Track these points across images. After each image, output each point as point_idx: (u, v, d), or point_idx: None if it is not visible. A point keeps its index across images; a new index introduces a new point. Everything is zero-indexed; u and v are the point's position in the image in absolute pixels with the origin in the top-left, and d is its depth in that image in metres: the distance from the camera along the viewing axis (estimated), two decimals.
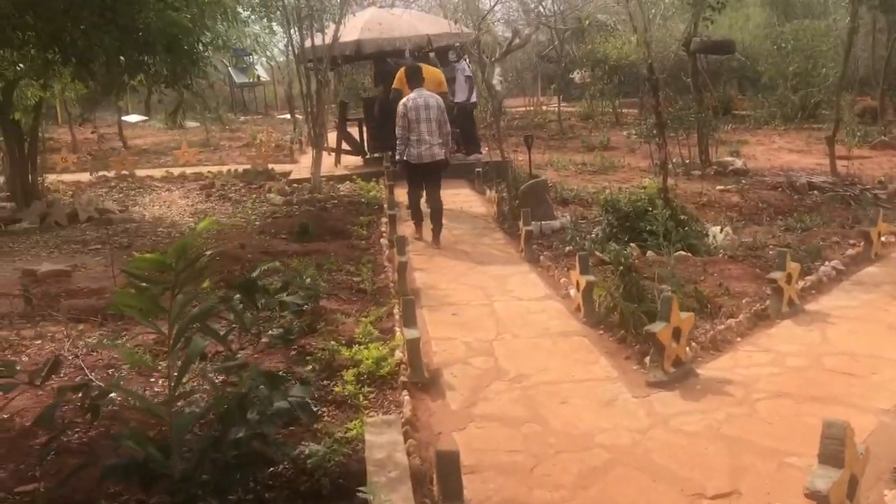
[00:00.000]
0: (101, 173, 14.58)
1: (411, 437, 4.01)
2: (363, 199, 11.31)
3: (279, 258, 8.05)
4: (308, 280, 6.11)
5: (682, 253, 7.64)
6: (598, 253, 7.96)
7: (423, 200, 9.13)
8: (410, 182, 9.10)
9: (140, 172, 15.02)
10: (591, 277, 5.93)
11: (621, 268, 5.53)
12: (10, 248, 9.41)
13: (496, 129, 10.45)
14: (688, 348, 5.06)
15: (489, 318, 6.09)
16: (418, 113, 8.48)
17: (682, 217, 8.51)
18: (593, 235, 8.56)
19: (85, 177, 14.65)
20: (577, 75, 28.48)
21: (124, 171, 14.56)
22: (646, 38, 8.67)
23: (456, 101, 13.39)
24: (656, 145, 9.39)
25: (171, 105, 32.87)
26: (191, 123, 27.50)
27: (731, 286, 6.67)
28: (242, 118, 31.80)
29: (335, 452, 3.67)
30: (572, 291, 6.50)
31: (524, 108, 26.45)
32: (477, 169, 12.08)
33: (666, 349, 4.71)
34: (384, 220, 9.63)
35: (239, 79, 35.57)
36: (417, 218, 9.20)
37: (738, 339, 5.55)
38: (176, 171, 15.09)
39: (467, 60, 13.79)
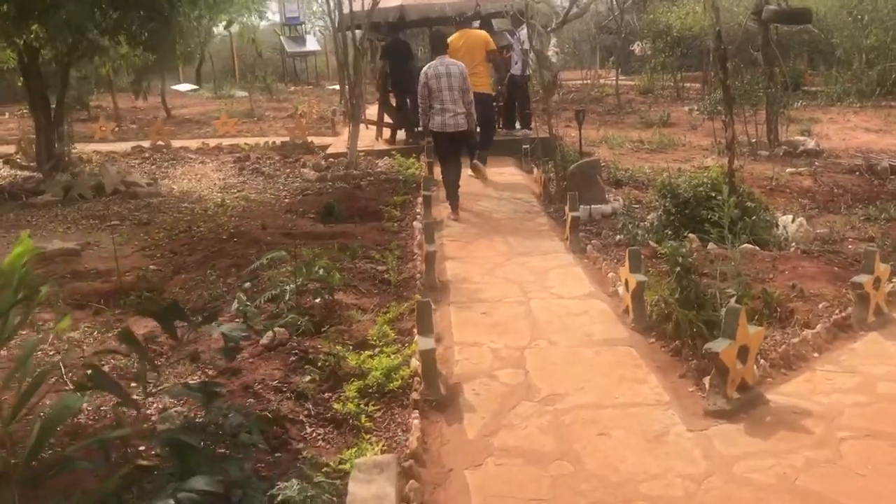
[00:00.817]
0: (136, 144, 14.13)
1: (414, 478, 3.31)
2: (401, 177, 10.60)
3: (301, 240, 7.42)
4: (321, 271, 5.43)
5: (749, 246, 6.77)
6: (651, 244, 7.13)
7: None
8: (439, 155, 8.97)
9: (176, 143, 14.55)
10: (643, 277, 5.13)
11: (678, 268, 4.71)
12: (28, 222, 8.97)
13: (546, 102, 9.60)
14: (755, 367, 4.25)
15: (524, 320, 5.34)
16: (439, 81, 8.31)
17: (748, 204, 7.61)
18: (647, 223, 7.71)
19: (123, 147, 14.23)
20: (637, 47, 27.21)
21: (160, 142, 14.09)
22: (714, 3, 7.71)
23: (512, 73, 12.58)
24: (722, 123, 8.45)
25: (221, 75, 32.72)
26: (239, 93, 27.14)
27: (805, 287, 5.80)
28: (293, 88, 31.30)
29: (314, 499, 2.99)
30: (620, 289, 5.71)
31: (581, 81, 25.34)
32: (524, 146, 11.25)
33: (730, 372, 3.91)
34: (420, 200, 8.90)
35: (291, 48, 35.09)
36: (453, 197, 8.70)
37: (815, 354, 4.71)
38: (213, 142, 14.58)
39: (526, 30, 12.84)
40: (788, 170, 10.64)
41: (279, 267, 5.33)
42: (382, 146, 12.96)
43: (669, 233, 7.42)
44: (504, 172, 10.84)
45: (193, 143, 14.25)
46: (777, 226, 7.50)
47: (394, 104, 13.23)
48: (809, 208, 8.63)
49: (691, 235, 7.00)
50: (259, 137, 15.39)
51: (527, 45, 13.06)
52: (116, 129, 17.20)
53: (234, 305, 5.30)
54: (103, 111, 22.71)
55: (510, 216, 8.47)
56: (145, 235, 8.16)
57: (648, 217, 7.97)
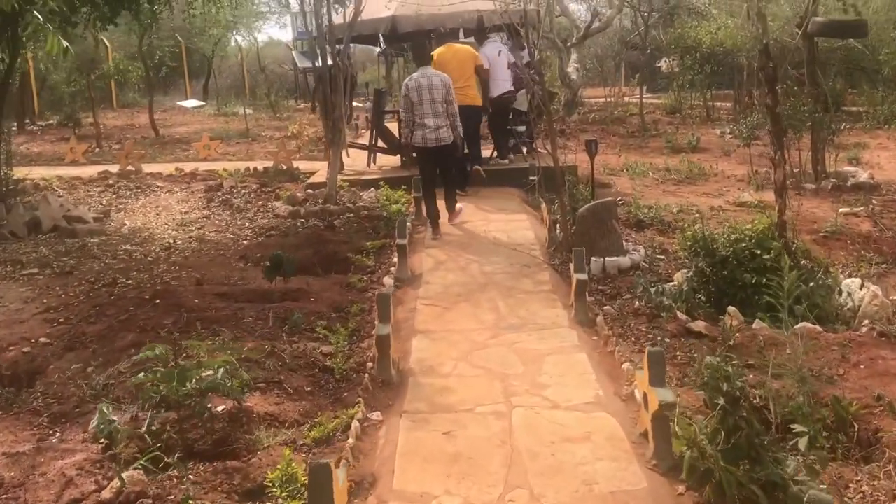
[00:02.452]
0: (104, 169, 12.76)
1: None
2: (384, 213, 9.09)
3: (239, 303, 5.94)
4: (219, 373, 3.90)
5: (808, 326, 5.17)
6: (680, 314, 5.56)
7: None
8: (422, 170, 8.59)
9: (150, 167, 13.16)
10: (669, 396, 3.56)
11: (723, 401, 3.14)
12: None
13: (548, 126, 8.06)
14: None
15: (499, 450, 3.78)
16: (421, 93, 7.93)
17: (803, 263, 6.02)
18: (675, 284, 6.13)
19: (91, 171, 12.86)
20: (663, 64, 25.63)
21: (129, 167, 12.71)
22: (759, 9, 6.14)
23: (494, 94, 11.01)
24: (770, 160, 6.87)
25: (225, 91, 31.54)
26: (246, 110, 25.87)
27: (890, 392, 4.21)
28: (301, 105, 30.02)
29: None
30: (637, 394, 4.16)
31: (604, 99, 23.79)
32: (531, 177, 9.71)
33: None
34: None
35: (302, 63, 33.85)
36: (433, 216, 8.29)
37: None
38: (190, 166, 13.17)
39: (504, 40, 11.31)
40: (841, 209, 9.00)
41: (153, 370, 3.83)
42: (375, 173, 11.47)
43: (702, 299, 5.85)
44: (506, 209, 9.30)
45: (168, 168, 12.85)
46: (840, 291, 5.89)
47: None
48: (876, 262, 7.00)
49: (732, 310, 5.42)
50: (244, 161, 13.98)
51: (523, 61, 11.65)
52: (94, 149, 15.88)
53: (94, 423, 3.80)
54: (94, 128, 21.53)
55: (505, 269, 6.91)
56: (61, 290, 6.71)
57: (676, 276, 6.39)
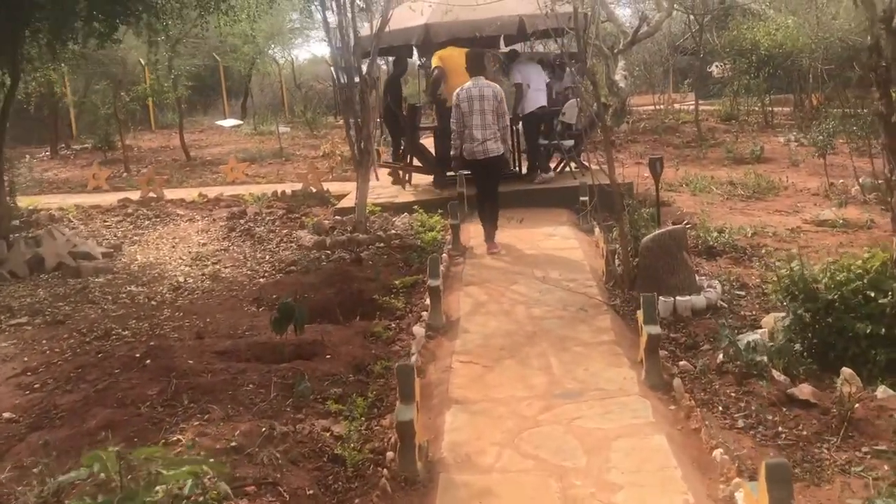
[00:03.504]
0: (125, 196, 12.04)
1: None
2: (418, 242, 8.13)
3: (241, 362, 5.02)
4: (188, 485, 2.94)
5: None
6: (778, 375, 4.48)
7: None
8: (477, 184, 8.28)
9: (172, 193, 12.41)
10: None
11: None
12: None
13: (605, 139, 7.02)
14: None
15: None
16: (471, 104, 7.59)
17: None
18: (766, 333, 5.04)
19: (112, 199, 12.15)
20: (715, 68, 24.34)
21: (151, 194, 11.98)
22: None
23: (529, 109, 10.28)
24: (886, 180, 5.75)
25: (263, 109, 31.00)
26: (281, 128, 25.19)
27: None
28: (341, 121, 29.28)
29: None
30: (739, 498, 3.12)
31: (653, 107, 22.60)
32: (582, 198, 8.67)
33: None
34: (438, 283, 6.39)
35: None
36: (488, 230, 7.89)
37: None
38: (214, 191, 12.39)
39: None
40: None
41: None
42: (409, 196, 10.53)
43: (800, 350, 4.75)
44: (555, 235, 8.27)
45: (192, 194, 12.08)
46: None
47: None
48: None
49: (846, 373, 4.32)
50: (273, 185, 13.18)
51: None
52: (121, 174, 15.24)
53: None
54: (132, 152, 21.01)
55: (557, 312, 5.87)
56: (47, 344, 5.87)
57: (765, 321, 5.30)
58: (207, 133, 26.37)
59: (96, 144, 21.46)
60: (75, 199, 12.66)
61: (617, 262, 6.60)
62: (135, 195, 12.11)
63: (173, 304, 6.75)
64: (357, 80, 8.56)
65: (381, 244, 8.20)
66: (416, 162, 11.19)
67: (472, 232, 8.66)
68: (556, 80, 11.46)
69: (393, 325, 5.88)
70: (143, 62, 23.12)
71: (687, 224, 8.29)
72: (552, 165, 11.65)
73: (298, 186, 11.95)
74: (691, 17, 19.18)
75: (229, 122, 29.56)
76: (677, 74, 26.49)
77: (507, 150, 7.92)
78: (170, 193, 12.45)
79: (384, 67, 29.88)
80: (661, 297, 5.74)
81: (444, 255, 7.55)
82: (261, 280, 7.38)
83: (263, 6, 11.32)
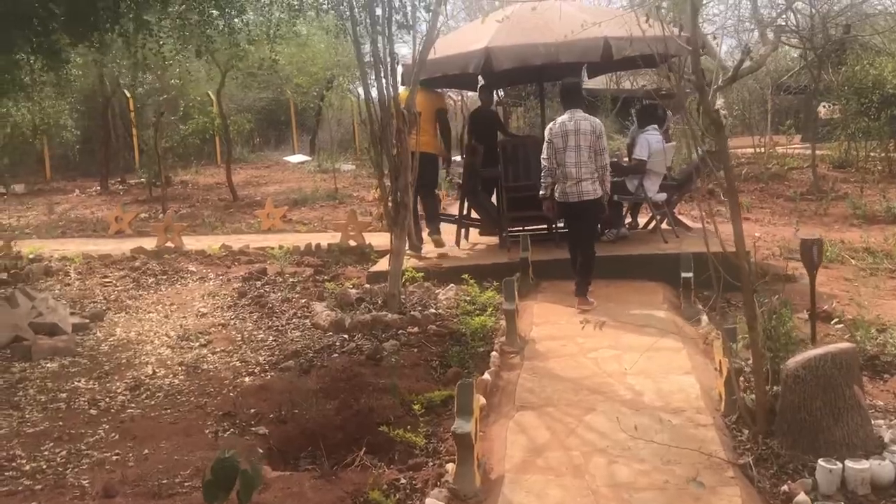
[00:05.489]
0: (138, 245, 10.45)
1: None
2: (462, 330, 6.15)
3: None
4: None
5: None
6: None
7: None
8: (567, 228, 7.66)
9: (195, 243, 10.78)
10: None
11: None
12: None
13: (729, 194, 4.90)
14: None
15: None
16: (566, 139, 6.82)
17: None
18: None
19: (129, 245, 10.60)
20: (823, 108, 21.74)
21: (169, 243, 10.36)
22: None
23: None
24: None
25: (336, 144, 29.68)
26: (345, 166, 23.73)
27: None
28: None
29: None
30: None
31: (752, 150, 20.15)
32: (685, 275, 6.57)
33: None
34: (478, 403, 4.36)
35: None
36: (581, 281, 6.89)
37: None
38: (241, 242, 10.70)
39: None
40: None
41: None
42: (460, 258, 8.59)
43: None
44: (647, 324, 6.12)
45: (215, 245, 10.40)
46: None
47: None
48: None
49: None
50: (313, 234, 11.47)
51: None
52: (159, 216, 13.76)
53: None
54: (184, 188, 19.76)
55: (656, 477, 3.76)
56: None
57: None
58: (273, 169, 25.10)
59: (149, 180, 20.36)
60: (92, 245, 11.18)
61: (744, 386, 4.48)
62: (150, 244, 10.52)
63: (117, 415, 4.93)
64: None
65: (415, 330, 6.24)
66: (473, 215, 9.28)
67: (537, 313, 6.64)
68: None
69: (402, 483, 3.89)
70: (210, 95, 21.93)
71: (836, 320, 6.10)
72: (640, 221, 9.58)
73: (338, 239, 10.15)
74: (806, 51, 16.80)
75: (296, 159, 28.33)
76: (777, 115, 23.94)
77: (605, 193, 6.91)
78: (193, 242, 10.84)
79: (456, 99, 28.32)
80: (819, 461, 3.63)
81: (495, 352, 5.54)
82: (246, 379, 5.50)
83: (284, 27, 9.66)
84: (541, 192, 7.08)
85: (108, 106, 20.79)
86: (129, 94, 21.62)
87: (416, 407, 4.69)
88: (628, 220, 9.21)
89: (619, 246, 8.15)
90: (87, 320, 7.16)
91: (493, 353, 5.48)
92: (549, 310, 6.73)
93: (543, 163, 6.98)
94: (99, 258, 10.05)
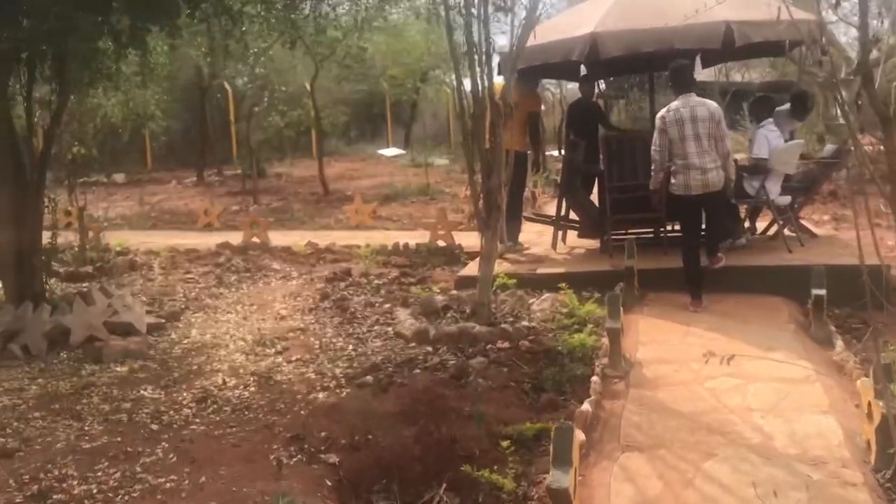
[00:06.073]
0: (224, 241, 10.22)
1: None
2: (559, 348, 5.51)
3: None
4: None
5: None
6: None
7: None
8: (683, 225, 6.84)
9: (281, 238, 10.49)
10: None
11: None
12: None
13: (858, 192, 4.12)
14: None
15: None
16: (682, 128, 6.32)
17: None
18: None
19: (217, 240, 10.39)
20: None
21: (255, 239, 10.09)
22: None
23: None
24: None
25: (430, 137, 29.35)
26: (439, 160, 23.29)
27: None
28: None
29: None
30: None
31: (871, 147, 18.55)
32: (817, 292, 5.74)
33: None
34: (575, 438, 3.72)
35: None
36: (694, 281, 6.48)
37: None
38: (330, 238, 10.35)
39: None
40: None
41: None
42: (557, 264, 7.94)
43: None
44: (775, 350, 5.34)
45: (301, 241, 10.07)
46: None
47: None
48: None
49: None
50: (402, 232, 11.03)
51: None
52: (250, 208, 13.62)
53: None
54: (279, 181, 19.72)
55: None
56: None
57: None
58: (367, 163, 24.92)
59: (245, 172, 20.42)
60: (180, 238, 11.05)
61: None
62: (238, 238, 10.28)
63: (179, 432, 4.53)
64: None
65: (505, 345, 5.64)
66: (572, 216, 8.61)
67: (643, 330, 5.94)
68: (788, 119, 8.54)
69: None
70: (307, 86, 21.88)
71: None
72: (758, 226, 8.70)
73: (427, 238, 9.65)
74: None
75: (390, 152, 28.11)
76: None
77: (730, 181, 6.52)
78: (280, 238, 10.54)
79: (555, 91, 27.43)
80: None
81: (596, 377, 4.89)
82: (319, 395, 5.03)
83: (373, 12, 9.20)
84: (651, 186, 6.64)
85: (205, 97, 20.96)
86: (228, 86, 21.84)
87: (514, 431, 4.11)
88: (746, 224, 8.33)
89: (735, 255, 7.33)
90: (163, 320, 6.87)
91: (594, 378, 4.83)
92: (658, 327, 6.01)
93: (654, 154, 6.53)
94: (184, 252, 9.88)
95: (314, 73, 17.35)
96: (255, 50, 8.45)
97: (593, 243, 8.46)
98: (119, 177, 20.14)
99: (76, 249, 9.38)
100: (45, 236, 7.29)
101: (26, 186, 6.73)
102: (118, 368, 5.75)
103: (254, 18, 6.97)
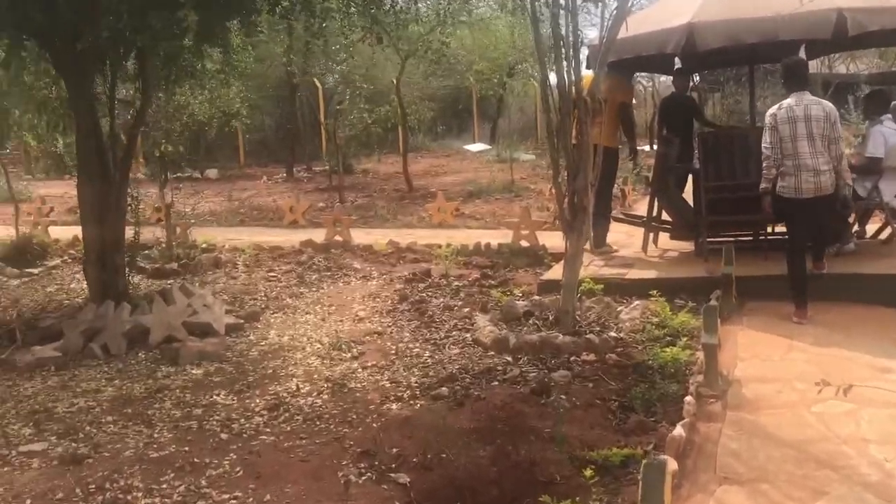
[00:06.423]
0: (308, 238, 10.16)
1: None
2: (650, 361, 5.14)
3: None
4: None
5: None
6: None
7: None
8: (791, 230, 6.36)
9: (364, 236, 10.38)
10: None
11: None
12: None
13: None
14: None
15: None
16: (795, 127, 5.91)
17: None
18: None
19: (299, 238, 10.35)
20: None
21: (337, 237, 10.00)
22: None
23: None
24: None
25: (517, 133, 28.89)
26: (525, 156, 22.92)
27: None
28: None
29: None
30: None
31: None
32: None
33: None
34: (668, 470, 3.37)
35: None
36: (799, 287, 6.03)
37: None
38: (408, 238, 10.17)
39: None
40: None
41: None
42: (648, 268, 7.52)
43: None
44: (888, 370, 4.84)
45: (383, 240, 9.92)
46: None
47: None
48: None
49: None
50: (485, 231, 10.77)
51: None
52: (335, 205, 13.58)
53: None
54: (366, 177, 19.75)
55: None
56: None
57: None
58: (453, 158, 24.76)
59: (333, 168, 20.54)
60: (266, 235, 11.07)
61: None
62: (321, 236, 10.21)
63: (248, 442, 4.38)
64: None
65: (591, 356, 5.31)
66: (664, 217, 8.16)
67: (742, 344, 5.50)
68: None
69: None
70: (393, 80, 21.87)
71: None
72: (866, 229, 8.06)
73: (509, 237, 9.34)
74: None
75: (476, 148, 27.86)
76: None
77: (844, 186, 6.08)
78: (363, 236, 10.44)
79: (647, 84, 26.59)
80: None
81: (690, 396, 4.50)
82: (393, 406, 4.81)
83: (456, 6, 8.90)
84: (761, 186, 6.16)
85: (294, 94, 21.18)
86: (318, 83, 22.05)
87: (599, 456, 3.79)
88: (855, 228, 7.72)
89: (844, 261, 6.77)
90: (242, 321, 6.79)
91: (688, 398, 4.44)
92: (758, 340, 5.56)
93: (766, 152, 6.11)
94: (269, 250, 9.87)
95: (400, 69, 17.28)
96: (337, 46, 8.32)
97: (687, 246, 7.99)
98: (212, 173, 20.55)
99: (163, 246, 9.48)
100: (129, 234, 7.33)
101: (110, 185, 6.77)
102: (193, 371, 5.67)
103: (334, 14, 6.82)
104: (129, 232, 7.39)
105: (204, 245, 9.94)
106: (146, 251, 9.23)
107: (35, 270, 9.10)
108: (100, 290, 6.78)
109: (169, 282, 8.16)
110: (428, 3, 9.08)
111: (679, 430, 4.04)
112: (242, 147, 23.74)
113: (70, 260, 9.68)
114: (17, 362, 5.83)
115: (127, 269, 7.12)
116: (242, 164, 23.23)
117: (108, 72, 6.65)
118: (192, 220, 11.21)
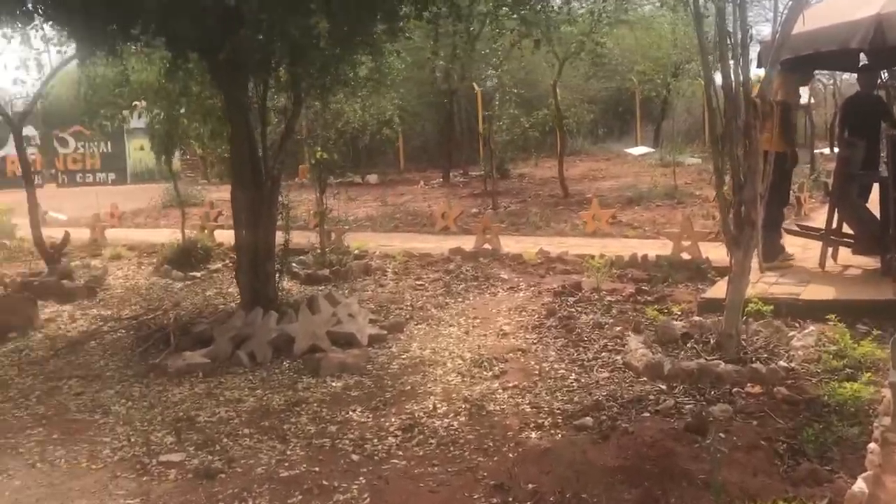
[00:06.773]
0: (457, 246, 9.99)
1: None
2: (826, 398, 4.53)
3: None
4: None
5: None
6: None
7: None
8: None
9: (514, 244, 10.09)
10: None
11: None
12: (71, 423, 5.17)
13: None
14: None
15: None
16: None
17: None
18: None
19: (450, 245, 10.22)
20: None
21: (486, 245, 9.77)
22: None
23: None
24: None
25: (683, 134, 27.64)
26: (690, 159, 21.84)
27: None
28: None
29: None
30: None
31: None
32: None
33: None
34: None
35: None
36: None
37: None
38: (564, 245, 9.78)
39: None
40: None
41: None
42: (825, 288, 6.76)
43: None
44: None
45: (532, 249, 9.59)
46: None
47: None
48: None
49: None
50: (643, 241, 10.20)
51: None
52: (488, 211, 13.40)
53: None
54: (521, 181, 19.49)
55: None
56: None
57: None
58: (613, 162, 24.05)
59: (487, 173, 20.43)
60: (418, 241, 11.04)
61: None
62: (471, 243, 10.03)
63: (379, 466, 4.21)
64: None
65: (756, 388, 4.76)
66: (845, 230, 7.34)
67: None
68: None
69: None
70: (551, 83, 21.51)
71: None
72: None
73: (669, 249, 8.76)
74: None
75: (638, 151, 26.89)
76: None
77: None
78: (513, 244, 10.16)
79: (826, 82, 24.61)
80: None
81: (874, 443, 3.89)
82: (532, 434, 4.50)
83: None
84: None
85: (452, 99, 21.24)
86: (476, 87, 22.04)
87: None
88: None
89: None
90: (385, 331, 6.69)
91: (872, 445, 3.84)
92: None
93: None
94: (418, 257, 9.80)
95: (557, 71, 16.89)
96: (487, 51, 8.11)
97: (872, 263, 7.13)
98: (372, 178, 21.00)
99: (318, 252, 9.63)
100: (280, 240, 7.43)
101: (262, 192, 6.88)
102: (333, 383, 5.60)
103: (483, 17, 6.61)
104: (281, 238, 7.48)
105: (356, 251, 10.01)
106: (301, 257, 9.42)
107: (198, 274, 9.50)
108: (250, 296, 6.90)
109: (320, 288, 8.26)
110: (582, 2, 8.73)
111: (860, 485, 3.47)
112: (403, 152, 24.14)
113: (231, 264, 10.00)
114: (169, 367, 6.00)
115: (277, 276, 7.22)
116: (402, 168, 23.62)
117: (258, 81, 6.76)
118: (348, 226, 11.35)
